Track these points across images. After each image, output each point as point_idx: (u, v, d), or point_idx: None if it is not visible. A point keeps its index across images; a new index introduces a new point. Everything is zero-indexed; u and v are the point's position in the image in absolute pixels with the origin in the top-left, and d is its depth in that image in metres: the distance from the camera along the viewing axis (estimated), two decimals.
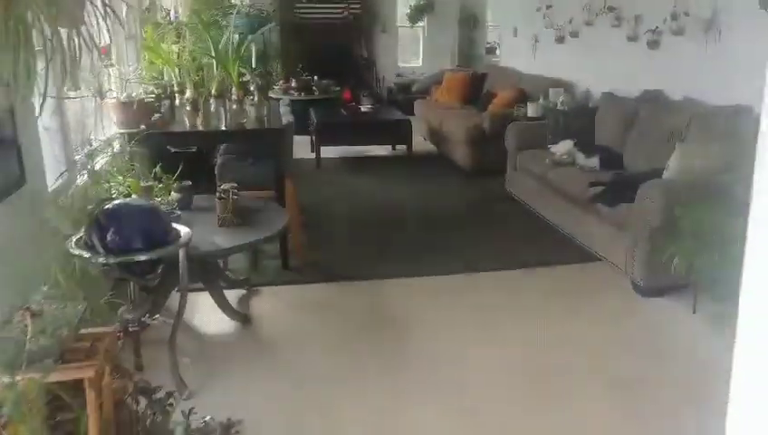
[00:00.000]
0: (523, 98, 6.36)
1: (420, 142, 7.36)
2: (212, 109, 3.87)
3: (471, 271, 4.00)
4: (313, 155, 6.58)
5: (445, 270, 4.00)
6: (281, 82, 8.79)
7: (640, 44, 5.07)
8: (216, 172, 4.05)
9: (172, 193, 3.45)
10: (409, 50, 10.95)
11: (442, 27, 10.43)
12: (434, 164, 6.79)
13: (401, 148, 6.95)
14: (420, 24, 10.40)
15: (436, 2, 10.18)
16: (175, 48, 4.77)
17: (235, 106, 3.93)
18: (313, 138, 6.56)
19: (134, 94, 3.89)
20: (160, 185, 3.45)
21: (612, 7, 5.42)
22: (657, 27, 4.84)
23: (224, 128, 3.81)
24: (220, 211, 3.27)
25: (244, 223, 3.28)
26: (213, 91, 3.83)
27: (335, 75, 9.97)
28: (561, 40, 6.44)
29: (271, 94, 8.55)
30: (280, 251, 3.99)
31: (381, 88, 10.52)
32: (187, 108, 3.83)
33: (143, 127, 3.69)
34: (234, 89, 4.01)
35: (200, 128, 3.78)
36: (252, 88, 4.25)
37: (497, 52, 10.52)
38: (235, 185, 3.36)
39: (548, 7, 6.65)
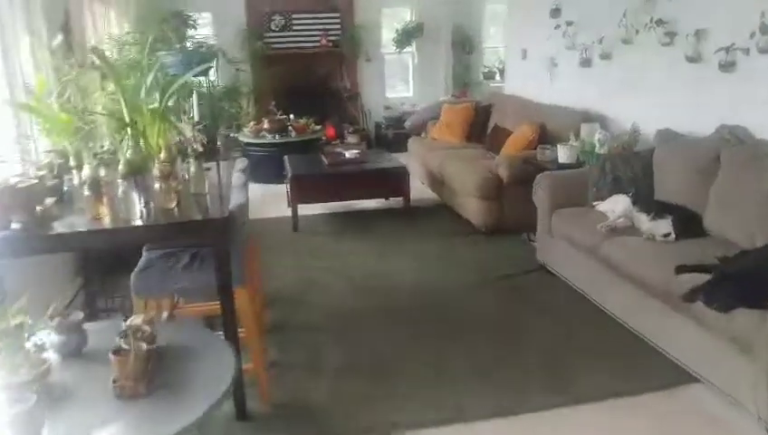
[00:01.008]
0: (545, 136, 5.13)
1: (418, 187, 6.10)
2: (122, 192, 2.58)
3: (511, 412, 2.70)
4: (290, 212, 5.29)
5: (474, 410, 2.70)
6: (251, 123, 7.53)
7: (707, 66, 3.87)
8: (131, 284, 2.75)
9: (49, 336, 2.16)
10: (398, 79, 9.77)
11: (433, 52, 9.27)
12: (438, 219, 5.52)
13: (397, 198, 5.68)
14: (409, 49, 9.23)
15: (426, 24, 9.02)
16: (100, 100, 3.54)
17: (159, 184, 2.64)
18: (288, 193, 5.26)
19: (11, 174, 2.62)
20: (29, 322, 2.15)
21: (662, 21, 4.22)
22: (732, 44, 3.64)
23: (138, 222, 2.52)
24: (117, 374, 1.97)
25: (159, 387, 1.98)
26: (121, 166, 2.55)
27: (315, 111, 8.78)
28: (587, 63, 5.24)
29: (241, 138, 7.33)
30: (233, 392, 2.67)
31: (368, 122, 9.31)
32: (86, 192, 2.55)
33: (12, 226, 2.40)
34: (156, 159, 2.74)
35: (102, 224, 2.49)
36: (189, 152, 2.97)
37: (497, 77, 9.41)
38: (147, 324, 2.08)
39: (569, 24, 5.46)
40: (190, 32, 8.35)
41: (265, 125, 7.23)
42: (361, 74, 9.25)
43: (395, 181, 5.34)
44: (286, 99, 8.83)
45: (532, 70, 6.27)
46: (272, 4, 8.76)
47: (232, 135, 8.04)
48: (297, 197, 5.20)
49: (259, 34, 8.71)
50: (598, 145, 4.47)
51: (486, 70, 9.42)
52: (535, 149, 4.87)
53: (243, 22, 8.71)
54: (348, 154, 5.70)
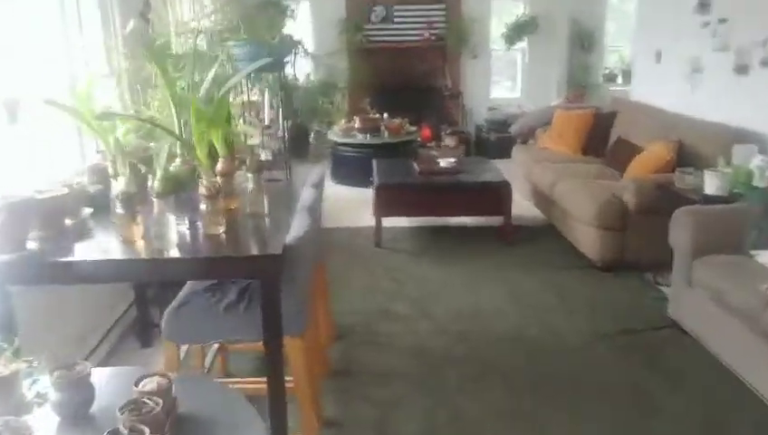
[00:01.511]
0: (684, 156, 4.24)
1: (521, 203, 5.34)
2: (157, 212, 2.08)
3: None
4: (374, 222, 4.71)
5: None
6: (342, 121, 7.03)
7: None
8: (161, 324, 2.25)
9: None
10: (505, 78, 8.97)
11: (547, 49, 8.40)
12: (544, 245, 4.74)
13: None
14: (519, 45, 8.41)
15: (540, 19, 8.16)
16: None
17: (206, 205, 2.12)
18: (374, 202, 4.67)
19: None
20: None
21: None
22: None
23: (174, 254, 2.02)
24: None
25: None
26: (156, 182, 2.04)
27: (412, 110, 8.18)
28: (743, 70, 4.28)
29: (332, 136, 6.86)
30: None
31: (468, 124, 8.59)
32: (118, 210, 2.07)
33: (28, 246, 1.97)
34: (203, 173, 2.22)
35: (127, 252, 2.00)
36: (247, 163, 2.44)
37: (619, 80, 8.41)
38: (161, 392, 1.55)
39: (721, 21, 4.51)
40: (287, 23, 8.00)
41: (357, 124, 6.71)
42: (465, 72, 8.54)
43: (495, 198, 4.62)
44: (382, 96, 8.31)
45: (668, 75, 5.33)
46: None
47: (323, 132, 7.61)
48: (382, 209, 4.61)
49: (358, 26, 8.21)
50: (757, 174, 3.55)
51: (607, 71, 8.42)
52: (672, 172, 3.99)
53: (342, 13, 8.24)
54: (443, 162, 5.04)
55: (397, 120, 6.91)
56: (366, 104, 7.16)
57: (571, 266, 4.26)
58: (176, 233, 2.12)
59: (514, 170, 6.10)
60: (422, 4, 8.23)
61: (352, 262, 4.37)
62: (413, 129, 7.08)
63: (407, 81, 8.40)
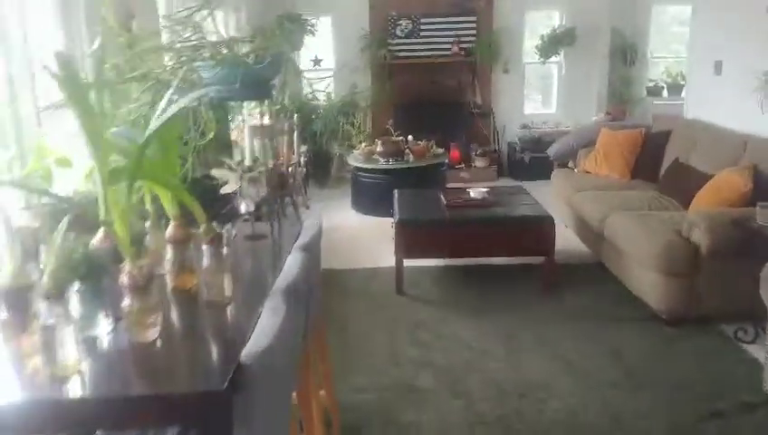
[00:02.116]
0: (762, 186, 3.56)
1: (563, 234, 4.66)
2: (46, 321, 1.42)
3: None
4: (395, 261, 4.10)
5: None
6: (362, 144, 6.48)
7: None
8: None
9: None
10: (539, 93, 8.33)
11: (585, 62, 7.74)
12: (595, 289, 4.08)
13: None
14: (555, 59, 7.77)
15: (578, 30, 7.52)
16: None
17: (130, 300, 1.47)
18: (395, 242, 4.06)
19: None
20: None
21: None
22: None
23: (70, 386, 1.33)
24: None
25: None
26: (46, 277, 1.38)
27: (440, 129, 7.62)
28: None
29: (351, 160, 6.31)
30: None
31: (500, 143, 7.97)
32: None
33: None
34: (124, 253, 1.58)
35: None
36: (202, 230, 1.82)
37: (664, 93, 7.70)
38: None
39: None
40: (307, 38, 7.53)
41: (378, 147, 6.14)
42: (496, 87, 7.94)
43: (536, 236, 3.97)
44: (407, 114, 7.75)
45: (731, 88, 4.65)
46: (399, 7, 7.70)
47: (345, 156, 7.07)
48: (404, 250, 4.01)
49: (382, 41, 7.68)
50: None
51: (651, 84, 7.72)
52: (750, 205, 3.32)
53: (365, 27, 7.73)
54: (473, 193, 4.43)
55: (422, 143, 6.33)
56: (389, 126, 6.59)
57: (631, 319, 3.59)
58: (79, 349, 1.37)
59: (554, 196, 5.46)
60: (450, 16, 7.67)
61: (369, 315, 3.77)
62: (440, 151, 6.49)
63: (434, 98, 7.83)
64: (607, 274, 4.16)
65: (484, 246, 4.04)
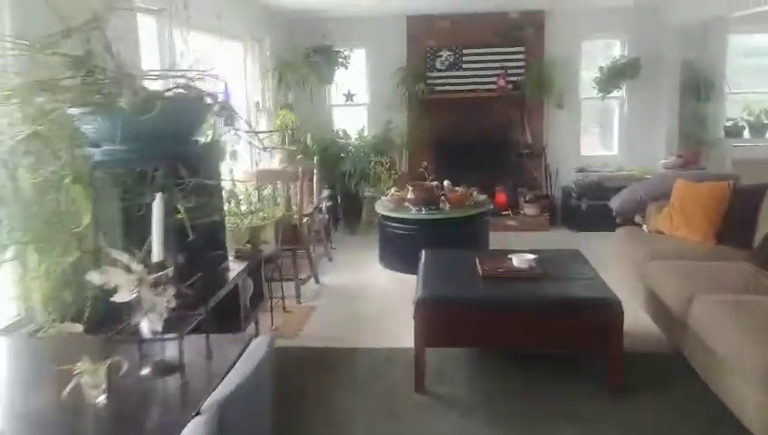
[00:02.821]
0: None
1: (633, 312, 3.69)
2: None
3: None
4: (414, 352, 3.25)
5: None
6: (391, 190, 5.70)
7: None
8: None
9: None
10: (598, 132, 7.42)
11: (651, 98, 6.82)
12: (674, 394, 3.12)
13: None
14: (616, 94, 6.87)
15: (643, 61, 6.61)
16: None
17: None
18: (415, 325, 3.22)
19: None
20: None
21: None
22: None
23: None
24: None
25: None
26: None
27: (484, 170, 6.84)
28: None
29: (379, 208, 5.54)
30: None
31: (553, 187, 7.07)
32: None
33: None
34: None
35: None
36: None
37: (745, 133, 6.68)
38: None
39: None
40: (339, 72, 6.89)
41: (409, 194, 5.36)
42: (548, 125, 7.08)
43: (598, 325, 3.07)
44: (447, 155, 7.00)
45: None
46: (439, 38, 6.99)
47: (377, 199, 6.31)
48: (425, 336, 3.17)
49: (420, 74, 6.96)
50: None
51: (730, 124, 6.71)
52: None
53: (402, 59, 7.03)
54: (516, 261, 3.56)
55: (459, 190, 5.51)
56: (423, 168, 5.81)
57: None
58: None
59: (619, 261, 4.54)
60: (496, 46, 6.90)
61: (376, 424, 2.93)
62: (482, 198, 5.64)
63: (477, 136, 7.03)
64: (690, 372, 3.20)
65: (530, 334, 3.16)
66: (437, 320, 3.18)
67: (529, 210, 6.82)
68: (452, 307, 3.21)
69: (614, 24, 6.79)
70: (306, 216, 4.74)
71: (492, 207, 5.85)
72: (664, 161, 6.54)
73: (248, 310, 3.78)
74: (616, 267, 4.48)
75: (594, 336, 3.10)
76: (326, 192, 5.78)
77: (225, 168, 4.19)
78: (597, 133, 7.41)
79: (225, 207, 3.99)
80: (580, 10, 6.73)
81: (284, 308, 4.42)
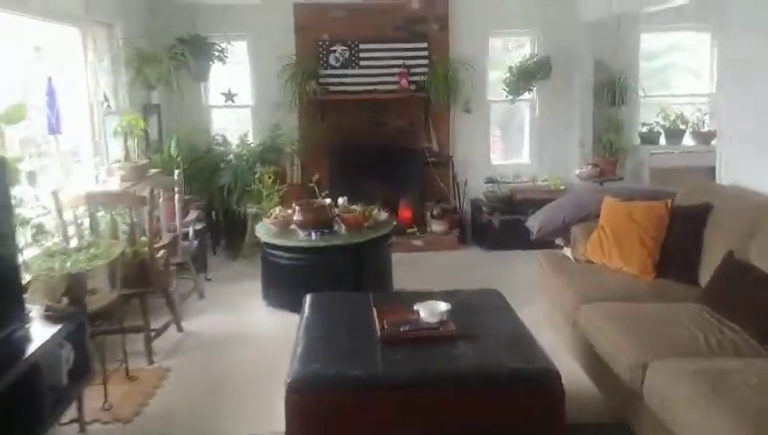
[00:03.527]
0: None
1: (561, 358, 2.94)
2: None
3: None
4: None
5: None
6: (275, 209, 4.74)
7: None
8: None
9: None
10: (509, 138, 6.81)
11: (564, 101, 6.28)
12: None
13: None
14: (527, 96, 6.28)
15: (555, 61, 6.04)
16: None
17: None
18: (286, 422, 2.32)
19: None
20: None
21: None
22: None
23: None
24: None
25: None
26: None
27: (387, 181, 6.06)
28: None
29: (260, 233, 4.59)
30: None
31: (462, 200, 6.38)
32: None
33: None
34: None
35: None
36: None
37: (661, 140, 6.28)
38: None
39: None
40: (216, 66, 5.84)
41: (296, 215, 4.44)
42: (455, 130, 6.38)
43: (532, 402, 2.31)
44: (345, 165, 6.14)
45: None
46: (332, 30, 6.11)
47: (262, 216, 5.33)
48: (302, 432, 2.27)
49: (311, 72, 6.05)
50: None
51: (645, 129, 6.28)
52: None
53: (291, 54, 6.09)
54: (426, 314, 2.73)
55: (356, 209, 4.65)
56: (313, 183, 4.89)
57: None
58: None
59: (541, 294, 3.85)
60: (396, 42, 6.11)
61: None
62: (383, 217, 4.80)
63: (378, 143, 6.23)
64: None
65: (446, 421, 2.33)
66: (318, 410, 2.29)
67: (436, 227, 6.08)
68: (338, 391, 2.33)
69: (524, 18, 6.19)
70: (161, 248, 3.71)
71: (395, 224, 5.04)
72: (579, 171, 6.01)
73: (64, 390, 2.75)
74: (538, 305, 3.80)
75: (528, 420, 2.32)
76: (194, 213, 4.75)
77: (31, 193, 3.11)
78: (507, 139, 6.79)
79: (33, 247, 2.92)
80: (487, 2, 6.07)
81: (128, 374, 3.38)
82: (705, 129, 6.21)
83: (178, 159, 4.92)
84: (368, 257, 4.50)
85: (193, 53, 5.50)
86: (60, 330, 2.64)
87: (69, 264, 2.90)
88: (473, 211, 6.31)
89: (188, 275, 4.62)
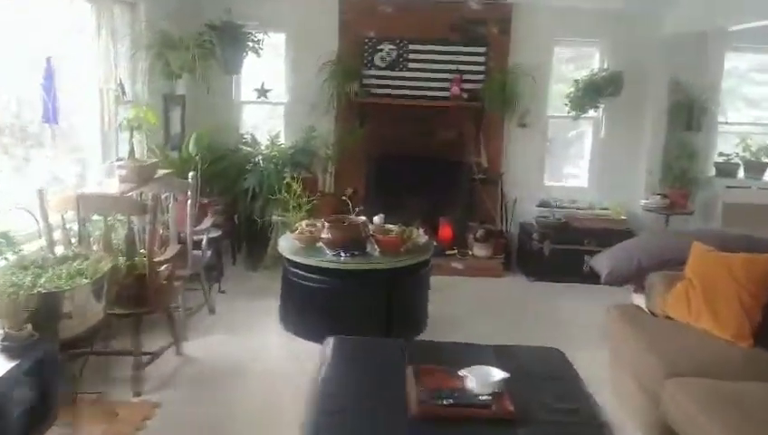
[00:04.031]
0: None
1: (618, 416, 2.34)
2: None
3: None
4: None
5: None
6: (302, 224, 4.18)
7: None
8: None
9: None
10: (567, 159, 6.16)
11: (633, 122, 5.61)
12: None
13: None
14: (592, 114, 5.62)
15: (627, 77, 5.37)
16: None
17: None
18: None
19: None
20: None
21: None
22: None
23: None
24: None
25: None
26: None
27: (428, 196, 5.50)
28: None
29: (282, 248, 4.05)
30: None
31: (510, 223, 5.74)
32: None
33: None
34: None
35: None
36: None
37: (739, 173, 5.55)
38: None
39: None
40: (249, 58, 5.32)
41: (324, 233, 3.87)
42: (508, 146, 5.76)
43: None
44: (383, 176, 5.59)
45: None
46: (381, 28, 5.56)
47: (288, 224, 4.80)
48: None
49: (354, 71, 5.51)
50: None
51: (725, 159, 5.55)
52: None
53: (333, 51, 5.56)
54: (474, 384, 2.13)
55: (394, 229, 4.07)
56: (347, 196, 4.31)
57: None
58: None
59: (615, 359, 3.22)
60: (451, 44, 5.52)
61: None
62: (424, 239, 4.22)
63: (422, 155, 5.64)
64: None
65: None
66: None
67: (479, 251, 5.46)
68: None
69: (595, 28, 5.54)
70: (163, 262, 3.18)
71: (434, 244, 4.45)
72: (645, 201, 5.33)
73: None
74: (596, 353, 3.19)
75: None
76: (209, 220, 4.23)
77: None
78: (565, 160, 6.13)
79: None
80: (555, 7, 5.44)
81: (107, 408, 2.86)
82: None
83: (197, 158, 4.41)
84: (402, 285, 3.92)
85: (224, 41, 4.99)
86: (17, 365, 2.13)
87: (43, 280, 2.39)
88: (520, 236, 5.67)
89: (200, 286, 4.12)
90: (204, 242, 4.04)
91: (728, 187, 5.44)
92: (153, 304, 3.13)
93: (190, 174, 3.73)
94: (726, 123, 5.58)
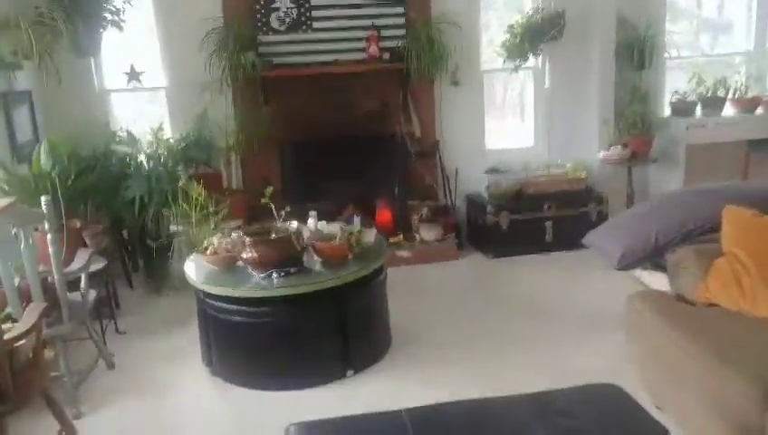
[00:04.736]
0: None
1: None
2: None
3: None
4: None
5: None
6: (214, 238, 3.13)
7: None
8: None
9: None
10: (509, 116, 5.41)
11: (580, 67, 4.93)
12: None
13: None
14: (530, 63, 4.88)
15: (568, 18, 4.66)
16: None
17: None
18: None
19: None
20: None
21: None
22: None
23: None
24: None
25: None
26: None
27: (357, 178, 4.63)
28: None
29: (192, 276, 3.01)
30: None
31: (456, 195, 4.95)
32: None
33: None
34: None
35: None
36: None
37: (697, 112, 5.03)
38: None
39: None
40: (111, 33, 4.16)
41: (246, 251, 2.88)
42: (442, 110, 4.93)
43: None
44: (300, 162, 4.63)
45: None
46: None
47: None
48: None
49: (248, 38, 4.46)
50: None
51: (678, 98, 4.99)
52: None
53: (216, 15, 4.47)
54: None
55: (336, 232, 3.13)
56: (266, 199, 3.26)
57: None
58: None
59: (635, 349, 2.50)
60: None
61: None
62: (372, 236, 3.31)
63: (342, 131, 4.71)
64: None
65: None
66: None
67: (427, 233, 4.65)
68: None
69: None
70: (20, 338, 2.11)
71: (375, 231, 3.54)
72: (605, 153, 4.70)
73: None
74: (613, 338, 2.49)
75: None
76: (85, 252, 3.09)
77: None
78: (506, 119, 5.40)
79: None
80: None
81: None
82: (750, 94, 4.99)
83: (54, 173, 3.23)
84: (356, 301, 3.02)
85: (72, 15, 3.79)
86: None
87: None
88: (469, 209, 4.92)
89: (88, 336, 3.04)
90: (83, 281, 2.94)
91: (687, 124, 4.89)
92: (16, 399, 2.07)
93: (42, 198, 2.60)
94: (678, 57, 5.02)
